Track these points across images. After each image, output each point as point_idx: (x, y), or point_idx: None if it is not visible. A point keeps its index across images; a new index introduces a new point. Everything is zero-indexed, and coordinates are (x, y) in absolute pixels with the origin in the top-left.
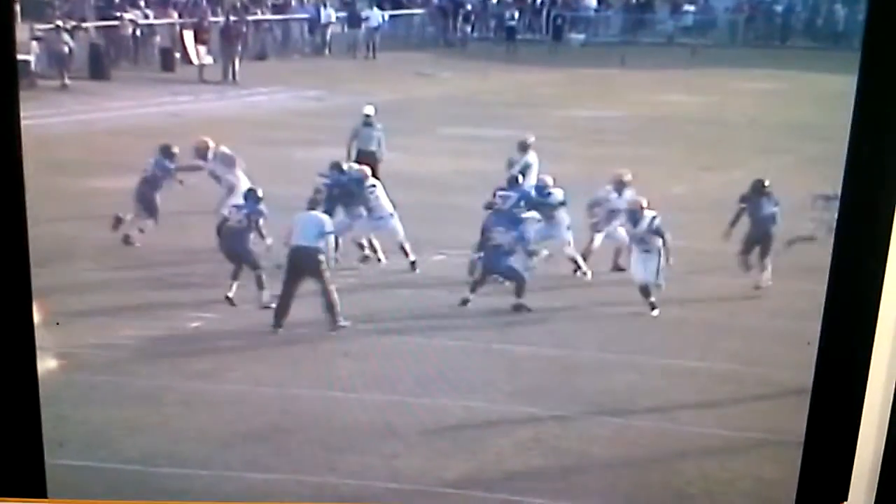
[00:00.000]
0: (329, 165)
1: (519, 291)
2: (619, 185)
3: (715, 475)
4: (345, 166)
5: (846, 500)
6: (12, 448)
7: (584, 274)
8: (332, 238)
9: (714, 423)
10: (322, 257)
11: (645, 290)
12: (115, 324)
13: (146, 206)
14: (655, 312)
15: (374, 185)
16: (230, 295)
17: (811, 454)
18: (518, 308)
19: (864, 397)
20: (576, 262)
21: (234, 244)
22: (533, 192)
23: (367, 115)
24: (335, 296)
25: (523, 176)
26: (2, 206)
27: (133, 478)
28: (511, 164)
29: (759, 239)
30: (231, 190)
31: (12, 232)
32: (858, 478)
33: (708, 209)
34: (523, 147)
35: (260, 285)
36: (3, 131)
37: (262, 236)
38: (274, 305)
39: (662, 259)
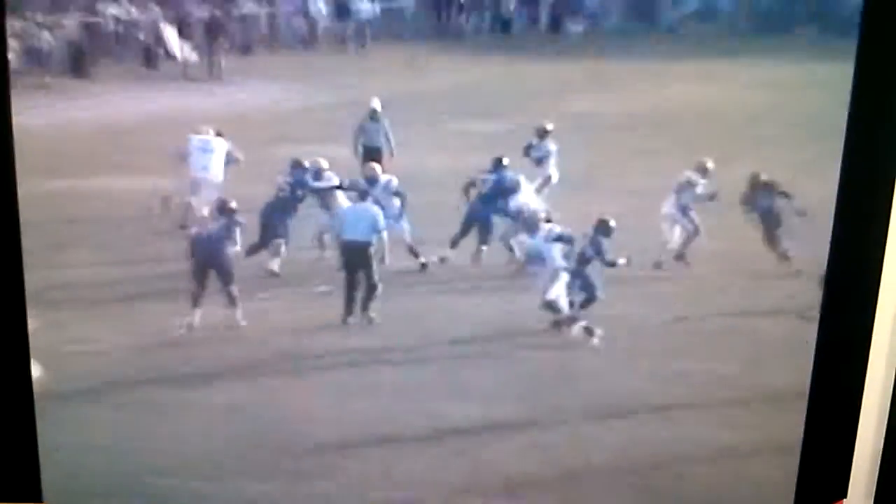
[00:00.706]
0: (290, 164)
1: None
2: (703, 171)
3: (714, 476)
4: (306, 163)
5: (845, 497)
6: (8, 452)
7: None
8: (385, 234)
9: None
10: (372, 251)
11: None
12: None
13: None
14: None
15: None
16: (195, 322)
17: (810, 452)
18: (589, 331)
19: (862, 394)
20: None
21: (213, 253)
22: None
23: (374, 111)
24: (378, 292)
25: (540, 163)
26: None
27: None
28: (528, 150)
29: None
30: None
31: (5, 234)
32: (857, 475)
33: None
34: (542, 134)
35: (232, 302)
36: None
37: (235, 242)
38: (243, 323)
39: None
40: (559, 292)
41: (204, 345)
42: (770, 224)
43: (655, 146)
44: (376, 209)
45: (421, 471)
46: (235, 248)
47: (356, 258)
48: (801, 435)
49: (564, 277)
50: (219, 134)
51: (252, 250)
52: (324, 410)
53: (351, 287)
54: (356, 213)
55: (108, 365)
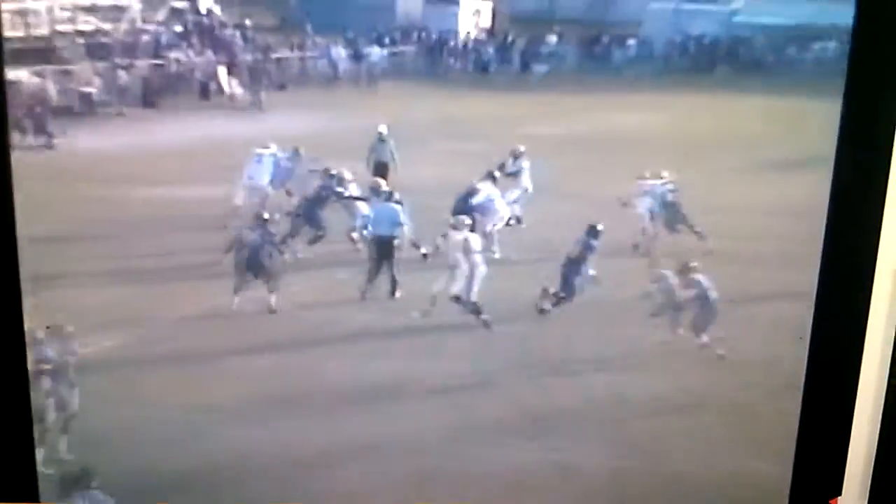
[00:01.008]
0: (322, 171)
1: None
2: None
3: (709, 475)
4: (333, 171)
5: (840, 495)
6: (3, 452)
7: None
8: (406, 227)
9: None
10: (397, 243)
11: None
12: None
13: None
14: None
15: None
16: (234, 306)
17: (804, 450)
18: (543, 311)
19: (856, 392)
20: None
21: (255, 257)
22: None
23: (381, 133)
24: (398, 283)
25: (515, 177)
26: None
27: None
28: (503, 167)
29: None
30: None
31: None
32: (852, 473)
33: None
34: (516, 154)
35: (270, 290)
36: None
37: (280, 252)
38: (276, 307)
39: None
40: (461, 286)
41: (240, 323)
42: (671, 211)
43: (604, 161)
44: (398, 207)
45: (420, 422)
46: (278, 256)
47: (383, 250)
48: (796, 432)
49: (464, 273)
50: (296, 149)
51: (284, 240)
52: (341, 372)
53: (373, 274)
54: (381, 212)
55: (134, 345)
